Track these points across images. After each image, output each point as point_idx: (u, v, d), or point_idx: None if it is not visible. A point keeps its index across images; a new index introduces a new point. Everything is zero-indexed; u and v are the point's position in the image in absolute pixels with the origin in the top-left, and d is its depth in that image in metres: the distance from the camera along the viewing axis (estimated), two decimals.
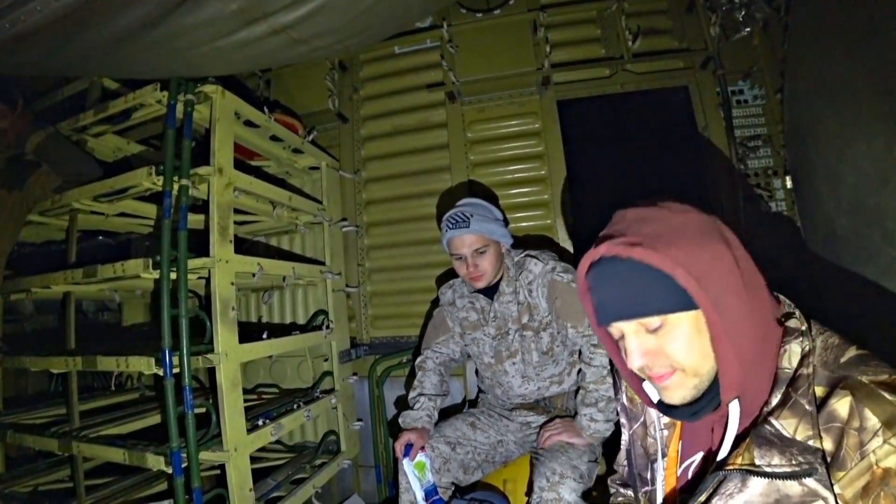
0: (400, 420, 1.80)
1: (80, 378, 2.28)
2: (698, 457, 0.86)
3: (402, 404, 2.38)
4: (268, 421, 1.82)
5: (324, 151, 2.57)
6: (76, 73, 1.97)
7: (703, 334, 0.72)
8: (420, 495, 1.61)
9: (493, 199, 2.39)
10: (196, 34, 1.32)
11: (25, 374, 2.60)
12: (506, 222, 1.89)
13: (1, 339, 2.20)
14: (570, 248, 2.37)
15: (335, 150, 2.74)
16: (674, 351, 0.74)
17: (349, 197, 2.72)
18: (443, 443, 1.71)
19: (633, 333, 0.77)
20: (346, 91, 2.80)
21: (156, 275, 1.57)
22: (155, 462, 1.59)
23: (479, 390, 2.10)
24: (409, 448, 1.66)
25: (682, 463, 0.89)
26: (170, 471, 1.54)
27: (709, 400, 0.78)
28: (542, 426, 1.73)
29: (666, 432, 0.93)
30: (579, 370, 1.73)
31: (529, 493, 1.50)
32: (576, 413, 1.65)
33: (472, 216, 1.72)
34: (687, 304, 0.71)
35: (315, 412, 2.12)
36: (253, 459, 1.70)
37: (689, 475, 0.87)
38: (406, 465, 1.63)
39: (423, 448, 1.68)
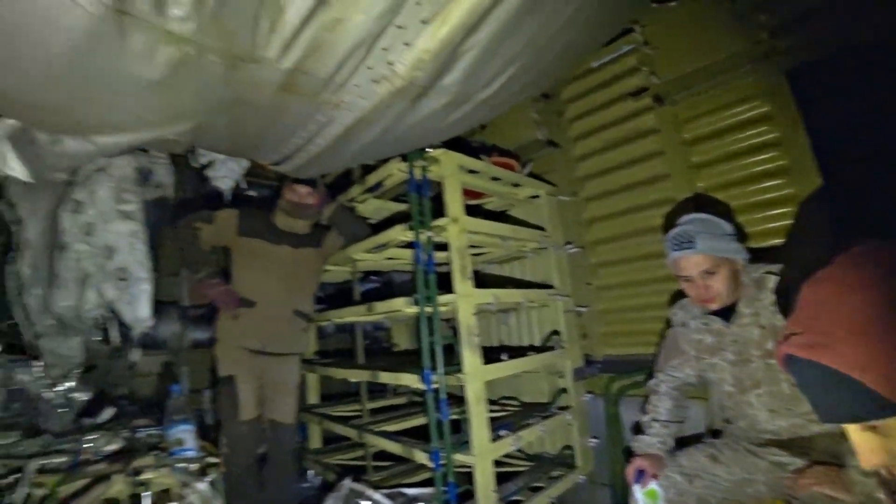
0: (632, 444, 1.89)
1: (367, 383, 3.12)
2: None
3: (638, 428, 2.42)
4: (508, 432, 2.17)
5: (541, 180, 2.88)
6: (347, 166, 2.79)
7: None
8: None
9: (723, 210, 2.24)
10: (421, 125, 1.82)
11: (330, 378, 3.66)
12: (741, 235, 1.79)
13: (316, 353, 3.21)
14: None
15: (551, 176, 3.01)
16: None
17: (570, 218, 2.93)
18: (678, 473, 1.70)
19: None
20: (551, 118, 3.04)
21: (415, 310, 2.11)
22: (420, 457, 2.13)
23: (724, 420, 1.99)
24: (641, 474, 1.71)
25: None
26: (431, 465, 2.04)
27: None
28: (798, 471, 1.55)
29: None
30: None
31: None
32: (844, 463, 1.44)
33: (696, 235, 1.66)
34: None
35: (551, 427, 2.39)
36: (497, 463, 2.07)
37: None
38: (637, 491, 1.69)
39: (655, 476, 1.70)
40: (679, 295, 2.18)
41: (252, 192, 3.23)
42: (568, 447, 2.59)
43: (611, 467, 2.59)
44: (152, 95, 1.30)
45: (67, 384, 2.48)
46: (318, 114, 1.66)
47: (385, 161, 2.37)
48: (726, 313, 1.75)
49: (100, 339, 2.72)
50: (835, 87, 2.02)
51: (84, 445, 1.94)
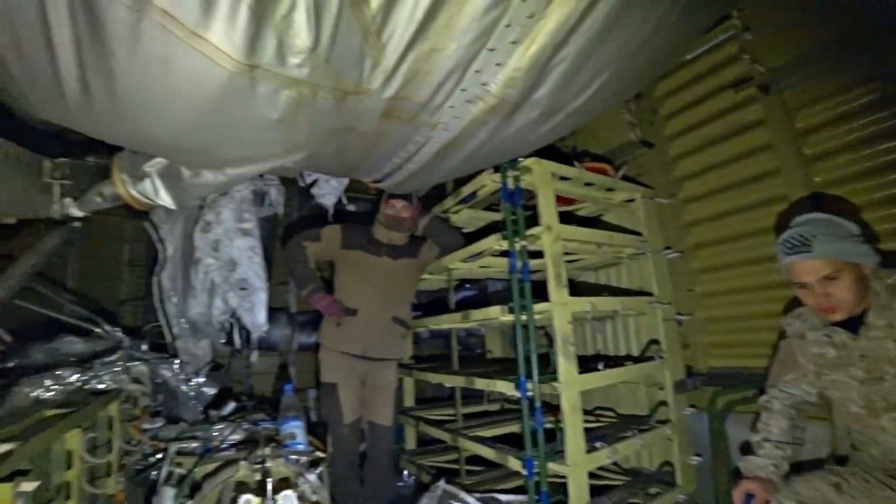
0: (741, 465, 1.79)
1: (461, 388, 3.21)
2: None
3: (747, 447, 2.27)
4: (604, 444, 2.14)
5: (636, 183, 2.80)
6: (442, 181, 2.93)
7: None
8: None
9: (847, 208, 2.03)
10: (512, 139, 1.87)
11: (424, 382, 3.79)
12: (869, 236, 1.63)
13: (411, 358, 3.37)
14: None
15: (647, 178, 2.91)
16: None
17: (669, 222, 2.81)
18: (793, 501, 1.59)
19: None
20: (644, 117, 2.94)
21: (511, 318, 2.16)
22: (514, 464, 2.17)
23: (851, 445, 1.79)
24: (749, 498, 1.63)
25: None
26: (525, 473, 2.07)
27: None
28: None
29: None
30: None
31: None
32: None
33: (814, 237, 1.52)
34: None
35: (650, 441, 2.32)
36: (591, 476, 2.06)
37: None
38: None
39: (767, 501, 1.61)
40: (795, 303, 2.02)
41: (352, 207, 3.49)
42: (667, 464, 2.49)
43: (715, 488, 2.45)
44: (274, 132, 1.48)
45: (198, 380, 2.82)
46: (416, 135, 1.77)
47: (478, 172, 2.45)
48: (853, 324, 1.58)
49: (224, 341, 3.09)
50: None
51: (213, 433, 2.23)
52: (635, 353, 2.82)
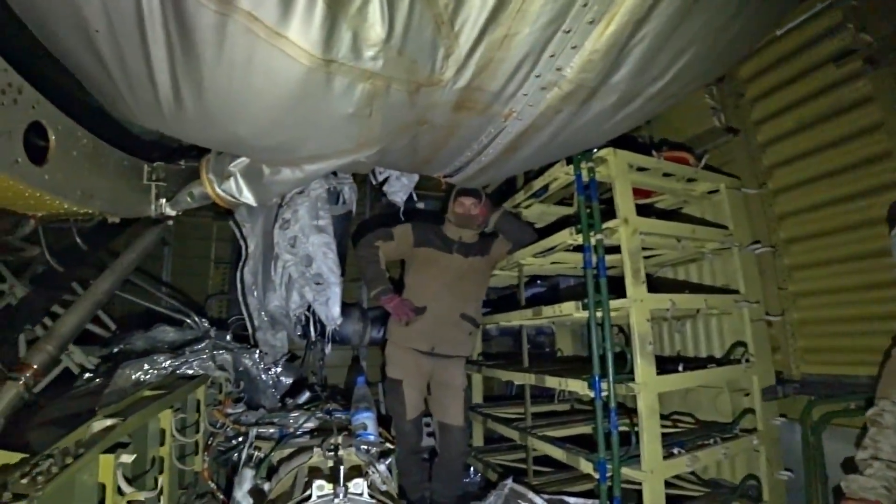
0: (843, 485, 1.61)
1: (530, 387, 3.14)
2: None
3: (850, 465, 2.04)
4: (683, 451, 2.00)
5: (720, 172, 2.60)
6: (514, 174, 2.87)
7: None
8: None
9: None
10: (587, 127, 1.78)
11: (493, 378, 3.73)
12: None
13: (480, 354, 3.35)
14: None
15: (731, 167, 2.72)
16: None
17: (758, 214, 2.61)
18: None
19: None
20: (729, 100, 2.73)
21: (585, 314, 2.07)
22: (586, 466, 2.08)
23: None
24: None
25: None
26: (596, 476, 1.98)
27: None
28: None
29: None
30: None
31: None
32: None
33: None
34: None
35: (733, 451, 2.15)
36: (666, 484, 1.92)
37: None
38: None
39: None
40: None
41: (421, 205, 3.53)
42: (752, 477, 2.29)
43: None
44: (349, 126, 1.50)
45: (276, 369, 2.95)
46: (488, 126, 1.73)
47: (549, 166, 2.37)
48: None
49: (300, 333, 3.21)
50: None
51: (289, 420, 2.32)
52: (718, 356, 2.63)
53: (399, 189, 3.06)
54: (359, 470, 1.73)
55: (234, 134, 1.61)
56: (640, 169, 2.33)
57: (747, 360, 2.32)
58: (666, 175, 2.45)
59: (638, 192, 2.56)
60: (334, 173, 2.95)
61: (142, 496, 1.34)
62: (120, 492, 1.28)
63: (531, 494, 2.22)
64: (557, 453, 2.33)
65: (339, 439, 1.88)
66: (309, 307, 3.00)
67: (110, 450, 1.27)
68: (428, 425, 3.08)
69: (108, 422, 1.37)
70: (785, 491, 2.30)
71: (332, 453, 1.79)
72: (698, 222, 2.55)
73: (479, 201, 2.79)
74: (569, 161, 2.26)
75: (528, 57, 1.40)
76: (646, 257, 2.61)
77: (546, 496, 2.28)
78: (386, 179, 3.05)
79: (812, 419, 2.26)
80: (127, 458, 1.29)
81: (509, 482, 2.31)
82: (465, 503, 2.65)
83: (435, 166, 2.18)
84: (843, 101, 2.25)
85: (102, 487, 1.25)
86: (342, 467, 1.48)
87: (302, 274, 2.88)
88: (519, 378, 2.78)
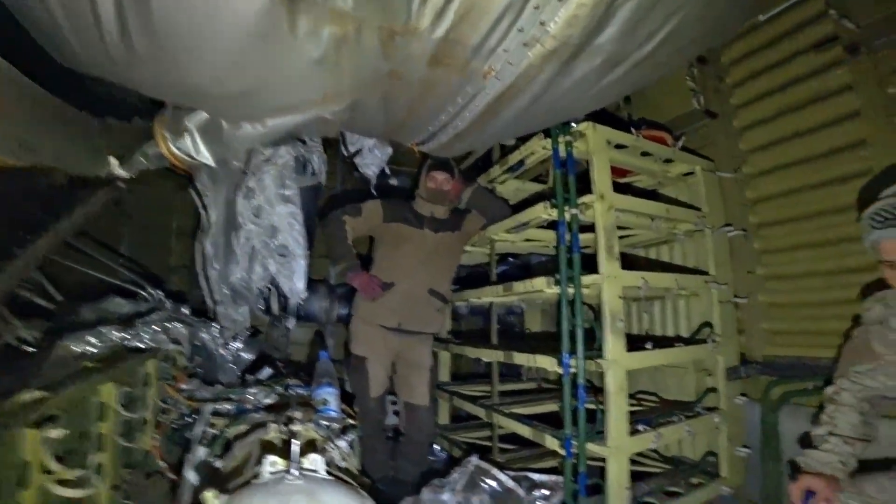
0: (800, 460, 1.61)
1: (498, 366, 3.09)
2: None
3: (808, 441, 2.07)
4: (648, 428, 1.99)
5: (696, 155, 2.58)
6: (493, 144, 2.77)
7: None
8: None
9: None
10: (570, 93, 1.70)
11: (461, 358, 3.68)
12: None
13: (449, 332, 3.28)
14: None
15: (708, 150, 2.68)
16: None
17: (732, 198, 2.59)
18: (859, 502, 1.44)
19: None
20: (709, 84, 2.69)
21: (557, 290, 2.01)
22: (551, 443, 2.05)
23: None
24: (809, 496, 1.48)
25: None
26: (562, 452, 1.95)
27: None
28: None
29: None
30: None
31: None
32: None
33: None
34: None
35: (696, 429, 2.16)
36: (630, 462, 1.92)
37: None
38: None
39: (828, 500, 1.45)
40: (872, 290, 1.79)
41: (394, 181, 3.40)
42: (712, 454, 2.31)
43: (763, 483, 2.25)
44: (315, 74, 1.38)
45: (236, 345, 2.82)
46: (466, 85, 1.62)
47: (527, 139, 2.28)
48: None
49: (263, 308, 3.07)
50: None
51: (247, 396, 2.21)
52: (684, 336, 2.63)
53: (371, 162, 2.92)
54: (315, 445, 1.64)
55: (190, 80, 1.47)
56: (619, 147, 2.27)
57: (714, 341, 2.33)
58: (644, 154, 2.40)
59: (615, 171, 2.51)
60: (302, 141, 2.79)
61: (71, 475, 1.21)
62: (48, 471, 1.15)
63: (495, 471, 2.18)
64: (524, 430, 2.29)
65: (296, 413, 1.78)
66: (272, 280, 2.86)
67: (37, 424, 1.14)
68: (394, 403, 3.00)
69: (38, 394, 1.23)
70: (743, 466, 2.33)
71: (285, 428, 1.70)
72: (673, 203, 2.51)
73: (452, 177, 2.70)
74: (546, 134, 2.18)
75: (511, 7, 1.30)
76: (619, 237, 2.58)
77: (511, 473, 2.24)
78: (358, 151, 2.91)
79: (772, 398, 2.28)
80: (56, 433, 1.15)
81: (474, 459, 2.25)
82: (429, 480, 2.60)
83: (408, 132, 2.06)
84: (822, 89, 2.23)
85: (27, 465, 1.12)
86: (297, 442, 1.39)
87: (266, 245, 2.72)
88: (487, 355, 2.72)
